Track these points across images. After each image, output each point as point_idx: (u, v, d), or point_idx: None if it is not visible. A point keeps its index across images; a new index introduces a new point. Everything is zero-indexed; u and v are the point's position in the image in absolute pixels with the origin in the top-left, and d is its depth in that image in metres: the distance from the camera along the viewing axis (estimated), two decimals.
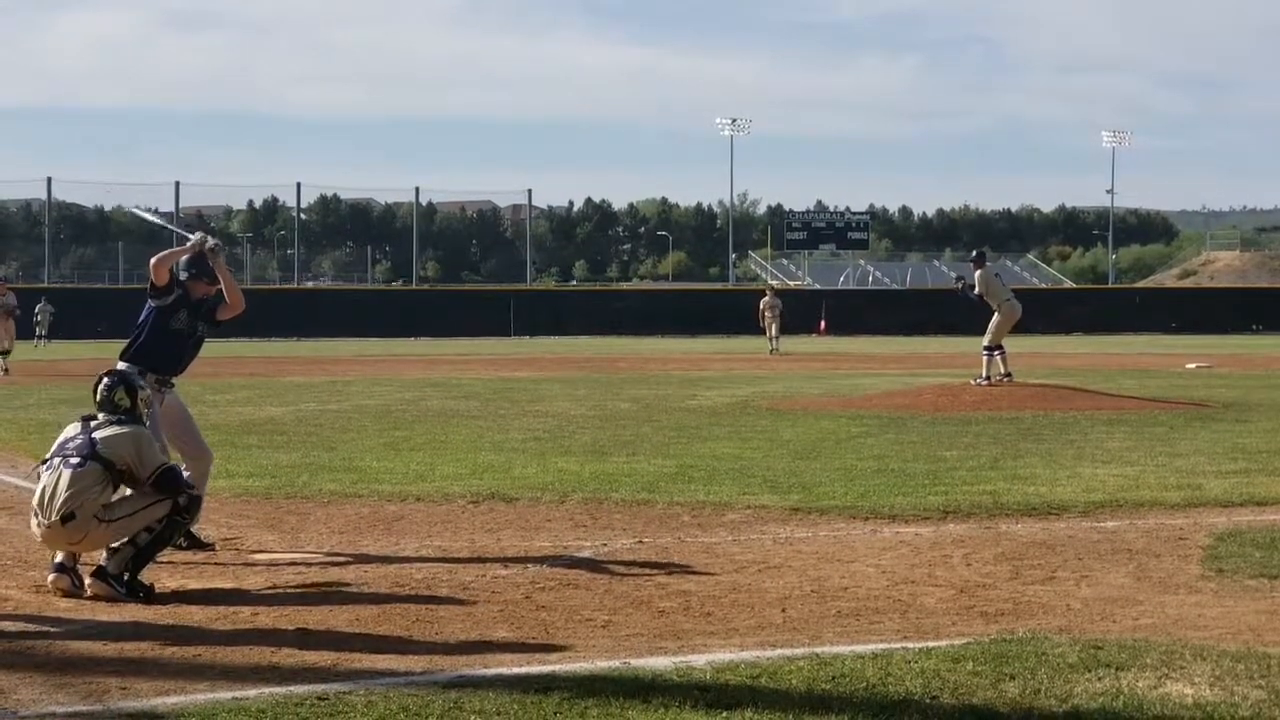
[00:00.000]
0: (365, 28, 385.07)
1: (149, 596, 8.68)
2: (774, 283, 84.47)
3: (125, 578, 8.74)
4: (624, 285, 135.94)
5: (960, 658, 6.88)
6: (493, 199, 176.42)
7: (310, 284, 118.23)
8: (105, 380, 9.47)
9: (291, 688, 6.51)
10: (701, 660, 6.97)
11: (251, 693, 6.43)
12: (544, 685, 6.47)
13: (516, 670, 6.82)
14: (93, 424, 9.22)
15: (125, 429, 9.14)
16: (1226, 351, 51.51)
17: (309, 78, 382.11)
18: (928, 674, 6.62)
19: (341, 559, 10.15)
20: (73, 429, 9.25)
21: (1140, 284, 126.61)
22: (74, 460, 9.00)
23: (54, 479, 8.97)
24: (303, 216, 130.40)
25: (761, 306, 47.58)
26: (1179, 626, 7.75)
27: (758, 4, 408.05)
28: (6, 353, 35.88)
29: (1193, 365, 40.21)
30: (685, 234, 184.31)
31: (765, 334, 47.48)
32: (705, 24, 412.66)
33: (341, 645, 7.41)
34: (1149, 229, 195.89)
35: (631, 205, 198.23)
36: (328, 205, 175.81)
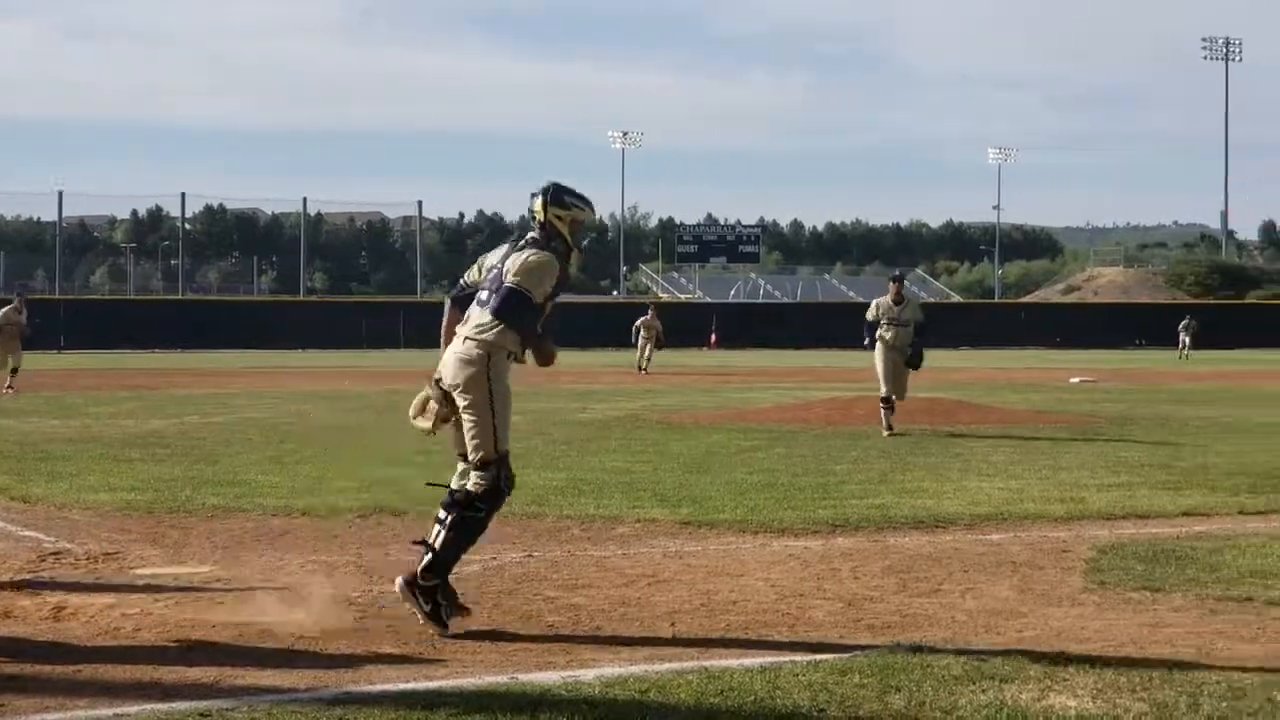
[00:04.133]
0: (254, 38, 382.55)
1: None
2: (662, 298, 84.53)
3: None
4: None
5: (847, 670, 6.91)
6: (382, 210, 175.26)
7: (195, 295, 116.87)
8: None
9: (174, 704, 6.42)
10: (590, 675, 6.95)
11: (133, 709, 6.33)
12: (430, 701, 6.42)
13: (402, 686, 6.76)
14: None
15: None
16: (1110, 366, 52.24)
17: (196, 88, 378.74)
18: (815, 687, 6.64)
19: (225, 574, 10.01)
20: None
21: (1026, 299, 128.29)
22: None
23: None
24: (187, 226, 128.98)
25: (639, 324, 46.24)
26: (1062, 639, 7.82)
27: (650, 18, 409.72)
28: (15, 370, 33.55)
29: (1077, 379, 40.74)
30: None
31: (638, 350, 46.27)
32: (597, 38, 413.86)
33: (225, 661, 7.31)
34: (1035, 245, 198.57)
35: (523, 217, 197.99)
36: (213, 215, 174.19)
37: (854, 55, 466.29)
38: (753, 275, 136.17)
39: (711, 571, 10.08)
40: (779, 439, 20.15)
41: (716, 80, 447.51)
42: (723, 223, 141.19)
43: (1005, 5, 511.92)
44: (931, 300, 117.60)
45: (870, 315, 22.28)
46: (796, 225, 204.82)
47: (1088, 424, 23.34)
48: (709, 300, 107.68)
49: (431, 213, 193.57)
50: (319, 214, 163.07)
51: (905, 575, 9.87)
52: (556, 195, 8.50)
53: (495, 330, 8.16)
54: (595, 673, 7.00)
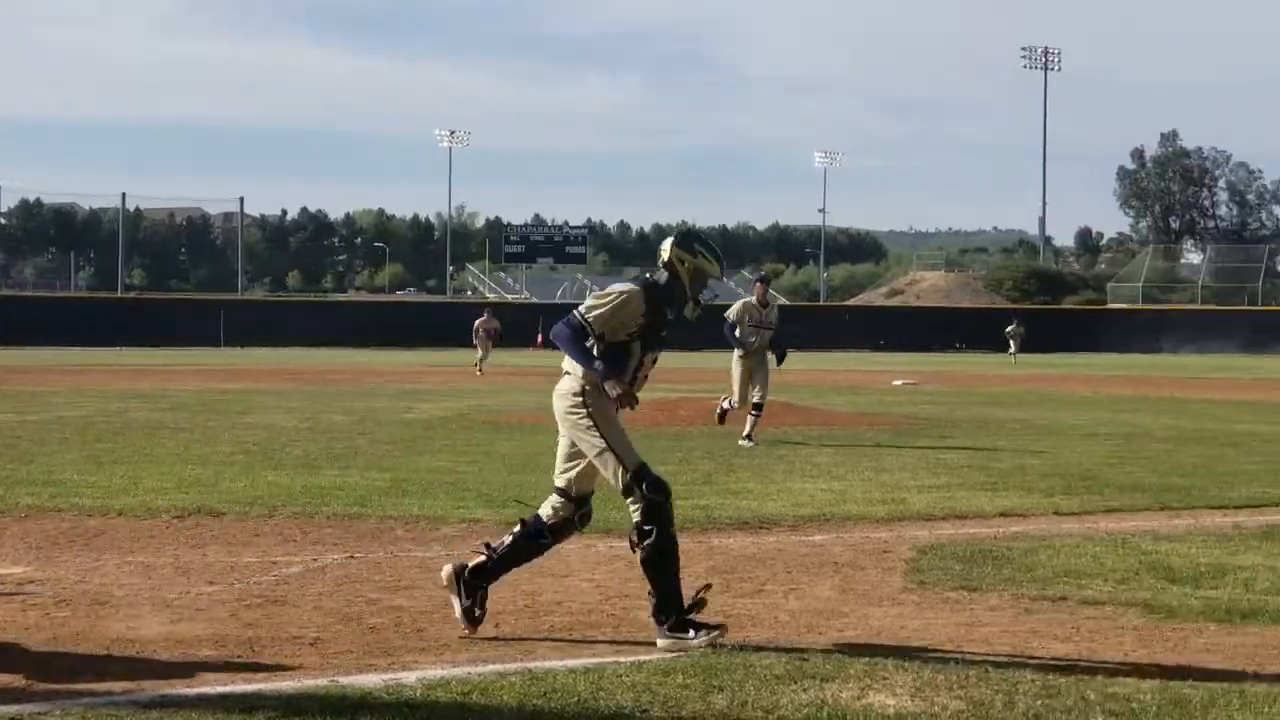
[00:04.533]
0: (74, 29, 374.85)
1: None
2: (489, 298, 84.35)
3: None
4: (339, 296, 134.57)
5: (670, 671, 6.93)
6: (203, 206, 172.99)
7: (10, 291, 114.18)
8: None
9: None
10: (412, 677, 6.89)
11: None
12: (249, 705, 6.31)
13: (221, 689, 6.64)
14: None
15: None
16: (931, 369, 53.08)
17: (14, 78, 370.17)
18: (639, 687, 6.65)
19: (39, 575, 9.78)
20: None
21: (850, 302, 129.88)
22: None
23: None
24: (2, 221, 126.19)
25: (477, 325, 46.16)
26: (882, 638, 7.92)
27: (479, 16, 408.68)
28: None
29: (899, 382, 41.33)
30: (402, 245, 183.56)
31: (478, 350, 46.14)
32: (425, 35, 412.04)
33: (38, 665, 7.13)
34: (859, 248, 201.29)
35: (348, 215, 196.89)
36: (29, 209, 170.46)
37: (685, 58, 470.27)
38: (580, 276, 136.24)
39: (536, 572, 10.02)
40: None
41: (546, 80, 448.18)
42: (550, 223, 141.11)
43: (836, 11, 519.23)
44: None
45: (732, 316, 20.48)
46: (623, 226, 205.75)
47: (909, 426, 23.69)
48: (535, 300, 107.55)
49: (254, 209, 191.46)
50: (138, 210, 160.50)
51: (729, 576, 9.93)
52: (685, 239, 8.38)
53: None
54: (417, 675, 6.95)
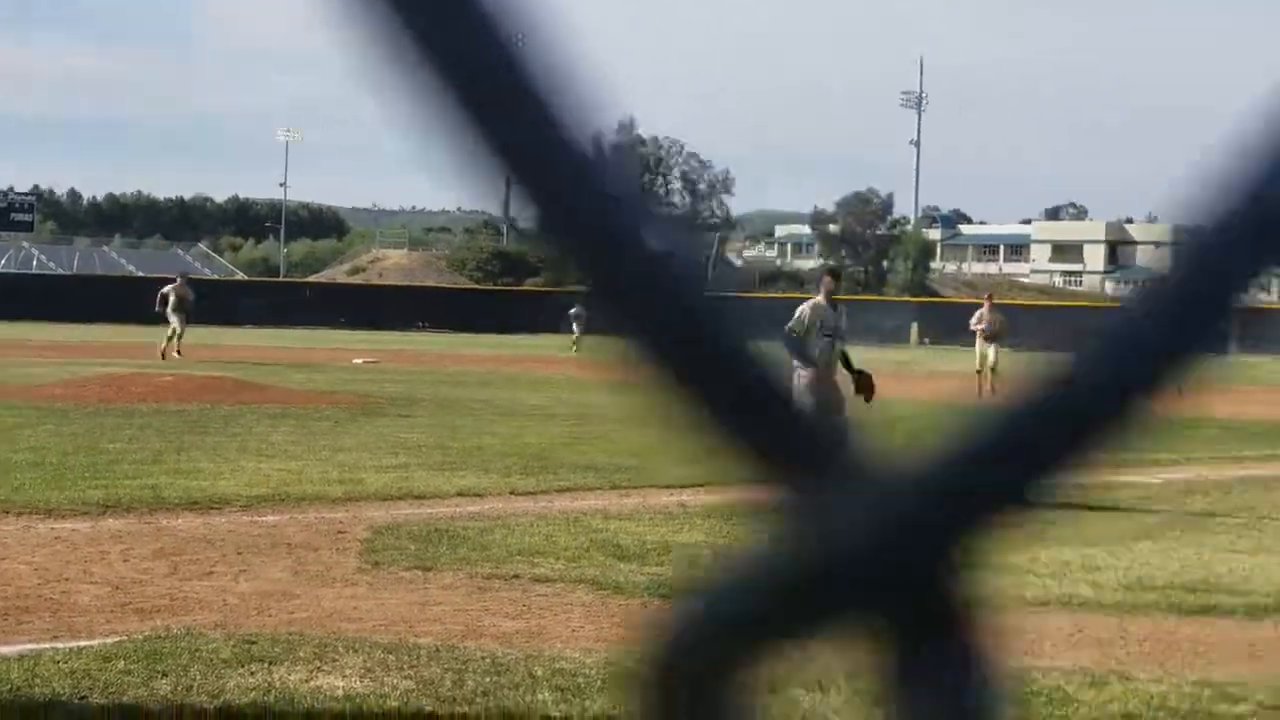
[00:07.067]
0: None
1: None
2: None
3: None
4: None
5: (111, 656, 6.69)
6: None
7: None
8: None
9: None
10: None
11: None
12: None
13: None
14: None
15: None
16: (394, 347, 53.12)
17: None
18: (77, 674, 6.40)
19: None
20: None
21: (311, 278, 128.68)
22: None
23: None
24: None
25: (169, 291, 40.01)
26: (334, 619, 7.86)
27: None
28: None
29: (360, 360, 41.22)
30: None
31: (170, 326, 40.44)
32: None
33: None
34: (321, 224, 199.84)
35: None
36: None
37: (145, 21, 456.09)
38: (26, 245, 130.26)
39: None
40: (49, 416, 19.33)
41: None
42: None
43: None
44: (215, 277, 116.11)
45: (797, 326, 13.63)
46: (74, 195, 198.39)
47: (369, 404, 23.63)
48: None
49: None
50: None
51: (177, 558, 9.67)
52: None
53: None
54: None
